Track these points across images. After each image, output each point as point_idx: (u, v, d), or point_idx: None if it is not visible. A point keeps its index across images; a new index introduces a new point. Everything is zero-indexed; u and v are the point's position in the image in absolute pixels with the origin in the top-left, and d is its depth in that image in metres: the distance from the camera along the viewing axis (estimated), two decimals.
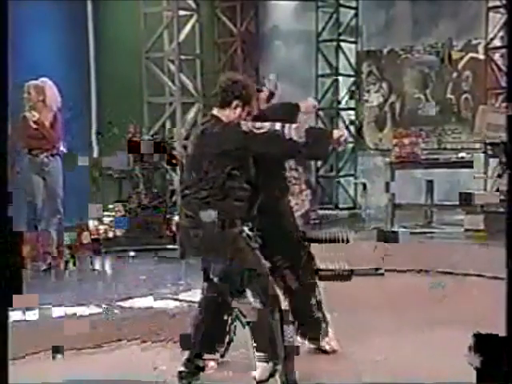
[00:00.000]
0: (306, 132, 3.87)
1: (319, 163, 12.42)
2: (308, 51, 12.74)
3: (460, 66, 11.55)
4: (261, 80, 6.54)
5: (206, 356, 4.37)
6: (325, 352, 4.75)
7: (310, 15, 12.69)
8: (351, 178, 12.72)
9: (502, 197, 8.34)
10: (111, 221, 9.04)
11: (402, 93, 12.18)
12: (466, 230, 8.83)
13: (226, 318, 4.31)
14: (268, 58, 13.13)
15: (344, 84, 12.76)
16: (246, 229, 3.99)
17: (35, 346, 4.82)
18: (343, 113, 12.75)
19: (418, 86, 12.01)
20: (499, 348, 2.78)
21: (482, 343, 2.83)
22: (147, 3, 10.68)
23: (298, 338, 4.62)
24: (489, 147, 9.33)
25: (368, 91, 12.57)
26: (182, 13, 10.65)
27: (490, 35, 10.81)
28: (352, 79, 12.72)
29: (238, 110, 4.02)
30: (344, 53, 12.64)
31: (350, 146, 12.64)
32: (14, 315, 4.89)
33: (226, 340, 4.41)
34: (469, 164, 9.30)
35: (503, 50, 10.45)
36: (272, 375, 3.92)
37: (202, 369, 4.27)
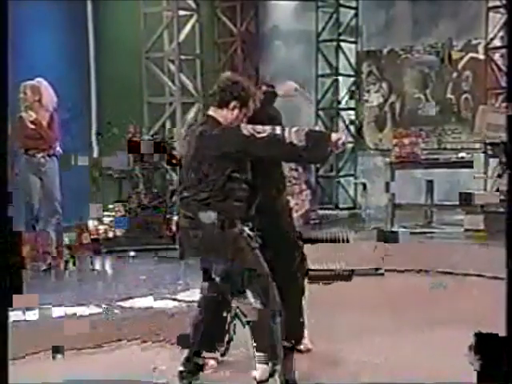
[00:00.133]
0: (306, 135, 3.87)
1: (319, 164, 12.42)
2: (308, 51, 12.75)
3: (460, 66, 11.55)
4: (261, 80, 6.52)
5: (206, 354, 4.38)
6: (299, 351, 4.73)
7: (309, 15, 12.69)
8: (351, 178, 12.73)
9: (502, 197, 8.34)
10: (111, 221, 9.03)
11: (402, 93, 12.18)
12: (466, 230, 8.83)
13: (225, 316, 4.31)
14: (268, 58, 13.13)
15: (344, 84, 12.76)
16: (246, 229, 3.99)
17: (35, 346, 4.82)
18: (343, 113, 12.75)
19: (418, 86, 12.01)
20: (500, 348, 2.78)
21: (483, 343, 2.83)
22: (147, 3, 10.69)
23: None
24: (489, 147, 9.33)
25: (368, 91, 12.58)
26: (181, 13, 10.66)
27: (490, 35, 10.81)
28: (352, 79, 12.73)
29: (236, 111, 4.01)
30: (344, 53, 12.64)
31: (350, 146, 12.65)
32: (14, 315, 4.89)
33: (226, 339, 4.43)
34: (469, 164, 9.29)
35: (503, 50, 10.45)
36: (271, 375, 3.92)
37: (202, 368, 4.27)
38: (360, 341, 5.06)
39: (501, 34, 10.59)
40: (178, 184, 4.21)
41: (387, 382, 4.20)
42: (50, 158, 7.52)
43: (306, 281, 4.85)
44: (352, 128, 12.70)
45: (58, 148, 7.61)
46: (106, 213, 9.20)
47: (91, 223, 8.82)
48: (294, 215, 4.95)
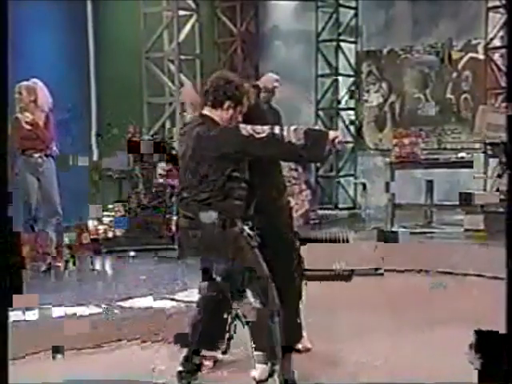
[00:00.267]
0: (305, 134, 3.86)
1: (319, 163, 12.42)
2: (308, 51, 12.75)
3: (460, 66, 11.55)
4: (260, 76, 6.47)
5: (206, 353, 4.39)
6: (298, 351, 4.74)
7: (309, 15, 12.69)
8: (351, 178, 12.73)
9: (502, 197, 8.34)
10: (111, 221, 9.03)
11: (402, 93, 12.18)
12: (466, 230, 8.82)
13: (226, 316, 4.32)
14: (268, 58, 13.12)
15: (344, 84, 12.76)
16: (246, 228, 3.99)
17: (35, 346, 4.82)
18: (343, 113, 12.75)
19: (418, 86, 12.01)
20: (500, 346, 2.78)
21: (483, 341, 2.83)
22: (147, 3, 10.70)
23: None
24: (489, 147, 9.33)
25: (368, 91, 12.57)
26: (181, 13, 10.67)
27: (490, 35, 10.81)
28: (352, 79, 12.72)
29: (231, 110, 4.00)
30: (344, 53, 12.64)
31: (350, 146, 12.65)
32: (14, 315, 4.89)
33: (226, 337, 4.43)
34: (469, 164, 9.29)
35: (503, 50, 10.45)
36: (271, 375, 3.92)
37: (200, 368, 4.27)
38: (360, 341, 5.06)
39: (501, 33, 10.59)
40: (178, 183, 4.20)
41: (387, 382, 4.20)
42: (47, 158, 7.52)
43: (303, 282, 4.86)
44: (352, 128, 12.70)
45: (54, 148, 7.61)
46: (105, 213, 9.20)
47: (91, 223, 8.82)
48: (294, 215, 4.95)
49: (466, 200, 9.05)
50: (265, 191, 4.27)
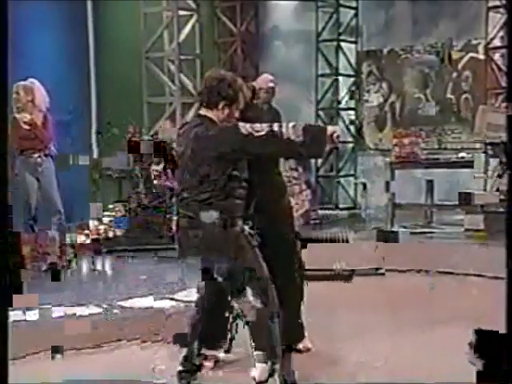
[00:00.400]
0: (303, 130, 3.86)
1: (319, 163, 12.42)
2: (308, 51, 12.74)
3: (460, 66, 11.55)
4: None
5: (207, 352, 4.39)
6: (299, 351, 4.74)
7: (309, 15, 12.68)
8: (351, 178, 12.73)
9: (502, 197, 8.34)
10: (111, 221, 9.03)
11: (402, 93, 12.18)
12: (466, 230, 8.82)
13: (226, 315, 4.32)
14: (268, 58, 13.12)
15: (344, 84, 12.76)
16: (246, 227, 3.99)
17: (35, 346, 4.82)
18: (343, 113, 12.75)
19: (418, 85, 12.01)
20: (500, 346, 2.78)
21: (483, 340, 2.82)
22: (147, 3, 10.70)
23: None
24: (489, 147, 9.32)
25: (368, 91, 12.57)
26: (181, 13, 10.67)
27: (490, 35, 10.81)
28: (352, 79, 12.72)
29: (226, 110, 4.00)
30: (344, 53, 12.64)
31: (350, 146, 12.65)
32: (14, 315, 4.89)
33: (229, 337, 4.44)
34: (469, 164, 9.29)
35: (503, 50, 10.45)
36: (271, 375, 3.92)
37: (200, 368, 4.27)
38: (360, 341, 5.06)
39: (501, 34, 10.59)
40: (178, 184, 4.20)
41: (387, 381, 4.20)
42: (46, 158, 7.53)
43: (304, 283, 4.86)
44: (352, 128, 12.70)
45: (52, 148, 7.61)
46: (106, 213, 9.20)
47: (91, 223, 8.82)
48: (295, 215, 4.95)
49: (465, 200, 9.04)
50: (265, 191, 4.27)
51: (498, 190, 9.19)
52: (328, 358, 4.72)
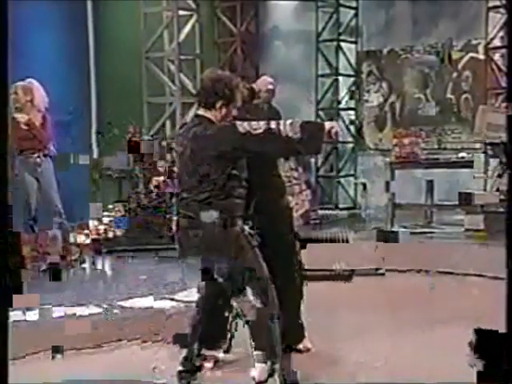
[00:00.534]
0: (301, 127, 3.86)
1: (319, 163, 12.42)
2: (308, 51, 12.74)
3: (460, 65, 11.55)
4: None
5: (207, 353, 4.39)
6: (299, 351, 4.74)
7: (309, 15, 12.68)
8: (351, 178, 12.72)
9: (502, 197, 8.34)
10: (111, 221, 9.02)
11: (402, 93, 12.18)
12: (466, 230, 8.82)
13: (226, 315, 4.32)
14: (268, 58, 13.12)
15: (344, 84, 12.76)
16: (246, 227, 3.99)
17: (35, 346, 4.82)
18: (343, 113, 12.74)
19: (418, 85, 12.01)
20: (500, 346, 2.78)
21: (482, 340, 2.82)
22: (147, 3, 10.70)
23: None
24: (489, 147, 9.32)
25: (368, 91, 12.57)
26: (181, 13, 10.67)
27: (490, 35, 10.81)
28: (352, 79, 12.72)
29: (224, 109, 4.00)
30: (344, 53, 12.64)
31: (350, 146, 12.65)
32: (14, 315, 4.89)
33: (228, 336, 4.44)
34: (469, 164, 9.29)
35: (503, 50, 10.45)
36: (271, 375, 3.92)
37: (200, 368, 4.27)
38: (360, 341, 5.06)
39: (501, 34, 10.58)
40: (178, 183, 4.20)
41: (387, 381, 4.20)
42: (45, 158, 7.53)
43: (304, 283, 4.86)
44: (352, 128, 12.69)
45: (52, 148, 7.61)
46: (105, 213, 9.19)
47: (91, 223, 8.82)
48: (294, 215, 4.95)
49: (466, 200, 9.04)
50: (265, 191, 4.28)
51: (498, 189, 9.20)
52: (328, 358, 4.72)
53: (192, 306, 4.60)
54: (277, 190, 4.73)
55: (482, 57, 11.20)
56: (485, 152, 9.20)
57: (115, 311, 5.67)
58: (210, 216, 3.91)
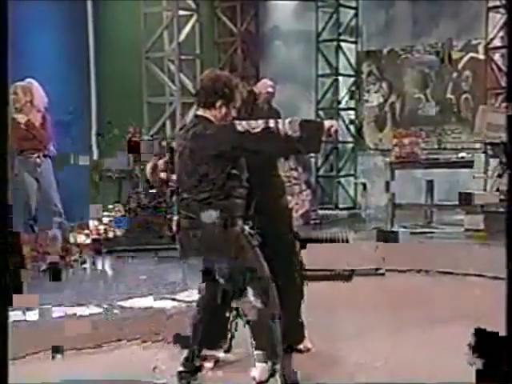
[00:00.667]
0: (300, 126, 3.85)
1: (319, 163, 12.42)
2: (308, 51, 12.74)
3: (460, 66, 11.55)
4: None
5: (208, 352, 4.39)
6: (299, 351, 4.74)
7: (310, 15, 12.68)
8: (351, 178, 12.72)
9: (502, 197, 8.34)
10: (111, 221, 9.01)
11: (402, 93, 12.18)
12: (466, 230, 8.82)
13: (227, 315, 4.32)
14: (268, 58, 13.12)
15: (344, 84, 12.75)
16: (246, 227, 3.99)
17: (35, 346, 4.82)
18: (343, 113, 12.74)
19: (418, 85, 12.01)
20: (499, 346, 2.78)
21: (483, 341, 2.82)
22: (147, 3, 10.70)
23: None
24: (489, 147, 9.33)
25: (368, 91, 12.57)
26: (181, 13, 10.67)
27: (490, 35, 10.81)
28: (352, 79, 12.72)
29: (224, 109, 4.00)
30: (344, 53, 12.64)
31: (350, 146, 12.65)
32: (14, 315, 4.89)
33: (229, 336, 4.43)
34: (469, 164, 9.29)
35: (503, 50, 10.45)
36: (272, 375, 3.92)
37: (200, 368, 4.27)
38: (360, 341, 5.06)
39: (501, 34, 10.58)
40: (177, 184, 4.20)
41: (387, 381, 4.19)
42: (44, 159, 7.53)
43: (304, 283, 4.85)
44: (352, 128, 12.69)
45: (52, 148, 7.61)
46: (105, 213, 9.19)
47: (91, 223, 8.82)
48: (294, 215, 4.95)
49: (466, 200, 9.05)
50: (265, 191, 4.27)
51: (498, 189, 9.20)
52: (328, 358, 4.71)
53: (193, 306, 4.61)
54: (277, 189, 4.73)
55: (482, 57, 11.20)
56: (485, 152, 9.19)
57: (115, 311, 5.67)
58: (209, 216, 3.91)
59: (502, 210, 8.13)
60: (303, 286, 4.83)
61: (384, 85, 12.38)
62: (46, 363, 4.67)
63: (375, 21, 12.36)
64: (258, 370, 3.93)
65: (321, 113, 12.71)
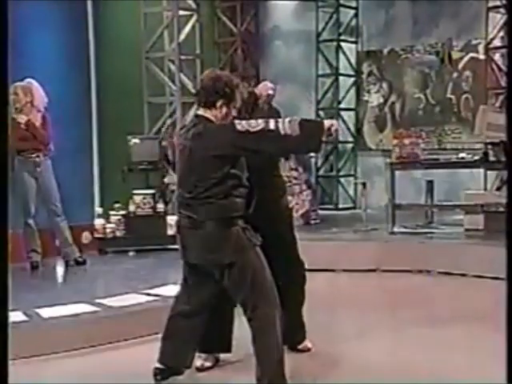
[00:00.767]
0: (300, 125, 3.86)
1: (319, 163, 12.42)
2: (308, 51, 12.73)
3: (460, 66, 11.54)
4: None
5: (207, 352, 4.39)
6: (299, 351, 4.74)
7: (309, 15, 12.68)
8: (351, 178, 12.72)
9: (502, 201, 8.34)
10: (119, 219, 8.94)
11: (403, 93, 12.17)
12: (466, 230, 8.82)
13: (228, 315, 4.32)
14: (268, 58, 13.11)
15: (344, 84, 12.75)
16: (247, 227, 3.99)
17: (34, 346, 4.83)
18: (343, 113, 12.74)
19: (418, 86, 12.00)
20: None
21: None
22: (147, 3, 10.68)
23: None
24: (489, 147, 9.32)
25: (368, 91, 12.57)
26: (181, 13, 10.65)
27: (490, 35, 10.80)
28: (352, 79, 12.72)
29: (224, 108, 4.01)
30: (344, 53, 12.63)
31: (350, 145, 12.65)
32: (14, 315, 4.89)
33: (229, 337, 4.44)
34: (469, 164, 9.29)
35: (503, 50, 10.44)
36: (272, 375, 3.91)
37: (190, 365, 4.26)
38: (360, 340, 5.07)
39: (501, 34, 10.58)
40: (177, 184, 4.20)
41: (387, 381, 4.20)
42: (44, 158, 7.53)
43: (305, 283, 4.85)
44: (352, 128, 12.69)
45: (51, 148, 7.62)
46: (112, 212, 9.15)
47: (97, 222, 8.82)
48: (295, 215, 4.96)
49: (465, 200, 9.06)
50: (265, 191, 4.28)
51: (498, 189, 9.21)
52: (328, 357, 4.72)
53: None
54: (278, 189, 4.74)
55: (482, 57, 11.19)
56: (485, 152, 9.18)
57: (114, 311, 5.67)
58: (210, 215, 3.91)
59: (501, 209, 8.14)
60: (304, 286, 4.83)
61: (384, 85, 12.37)
62: (46, 363, 4.68)
63: (375, 21, 12.35)
64: (259, 370, 3.91)
65: (321, 113, 12.70)
